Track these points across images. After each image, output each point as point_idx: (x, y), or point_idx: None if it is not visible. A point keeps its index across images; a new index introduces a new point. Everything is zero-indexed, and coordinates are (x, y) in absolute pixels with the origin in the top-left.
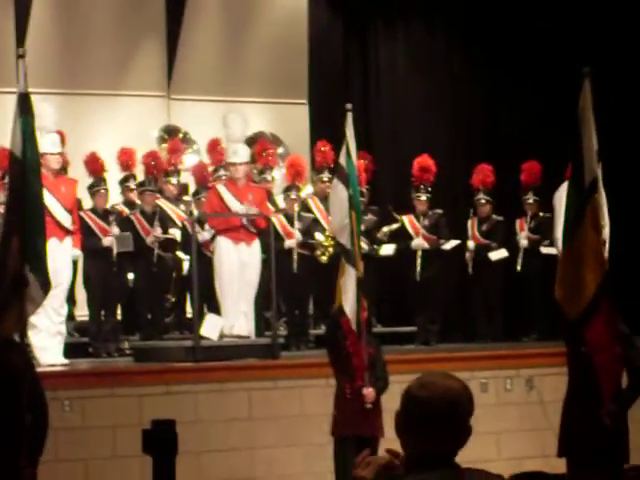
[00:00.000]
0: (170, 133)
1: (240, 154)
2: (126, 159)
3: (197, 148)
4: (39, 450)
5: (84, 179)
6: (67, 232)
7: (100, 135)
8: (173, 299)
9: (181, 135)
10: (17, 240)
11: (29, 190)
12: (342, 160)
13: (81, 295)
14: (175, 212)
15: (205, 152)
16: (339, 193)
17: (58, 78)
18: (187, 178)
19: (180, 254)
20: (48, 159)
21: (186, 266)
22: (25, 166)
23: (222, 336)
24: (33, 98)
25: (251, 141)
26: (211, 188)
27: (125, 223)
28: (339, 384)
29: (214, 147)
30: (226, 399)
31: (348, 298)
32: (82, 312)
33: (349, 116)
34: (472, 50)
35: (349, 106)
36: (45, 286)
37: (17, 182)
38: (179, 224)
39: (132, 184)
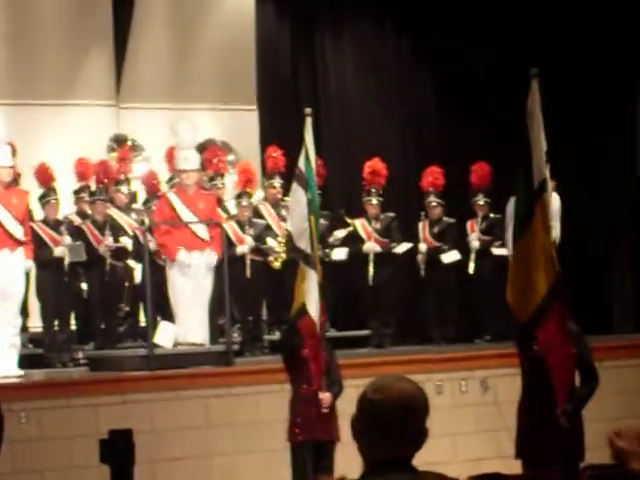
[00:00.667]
0: (119, 142)
1: (190, 161)
2: (83, 170)
3: (146, 155)
4: None
5: (35, 190)
6: (19, 243)
7: (50, 145)
8: (126, 308)
9: (129, 143)
10: None
11: None
12: (301, 164)
13: (34, 306)
14: (126, 221)
15: (163, 160)
16: (298, 197)
17: (6, 88)
18: (137, 186)
19: (131, 263)
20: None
21: (138, 275)
22: None
23: (176, 344)
24: None
25: (201, 148)
26: (162, 196)
27: (76, 232)
28: (294, 389)
29: (171, 155)
30: (182, 407)
31: (312, 301)
32: (35, 323)
33: (308, 120)
34: (421, 51)
35: (308, 110)
36: None
37: None
38: (130, 233)
39: (86, 195)
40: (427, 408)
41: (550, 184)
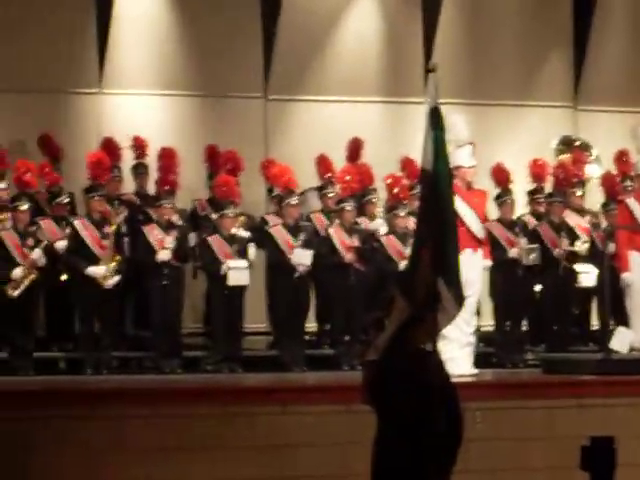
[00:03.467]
0: (567, 143)
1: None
2: (538, 171)
3: (596, 156)
4: (452, 462)
5: (491, 190)
6: (480, 243)
7: (505, 146)
8: (576, 311)
9: (578, 144)
10: (428, 252)
11: (441, 203)
12: None
13: (487, 305)
14: (578, 224)
15: (612, 163)
16: None
17: (463, 89)
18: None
19: (581, 266)
20: (462, 171)
21: (585, 279)
22: (436, 180)
23: (632, 349)
24: (443, 109)
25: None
26: (621, 202)
27: (532, 235)
28: None
29: (620, 158)
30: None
31: None
32: (487, 322)
33: None
34: None
35: None
36: (459, 299)
37: (427, 195)
38: (583, 237)
39: (541, 197)
40: None
41: None
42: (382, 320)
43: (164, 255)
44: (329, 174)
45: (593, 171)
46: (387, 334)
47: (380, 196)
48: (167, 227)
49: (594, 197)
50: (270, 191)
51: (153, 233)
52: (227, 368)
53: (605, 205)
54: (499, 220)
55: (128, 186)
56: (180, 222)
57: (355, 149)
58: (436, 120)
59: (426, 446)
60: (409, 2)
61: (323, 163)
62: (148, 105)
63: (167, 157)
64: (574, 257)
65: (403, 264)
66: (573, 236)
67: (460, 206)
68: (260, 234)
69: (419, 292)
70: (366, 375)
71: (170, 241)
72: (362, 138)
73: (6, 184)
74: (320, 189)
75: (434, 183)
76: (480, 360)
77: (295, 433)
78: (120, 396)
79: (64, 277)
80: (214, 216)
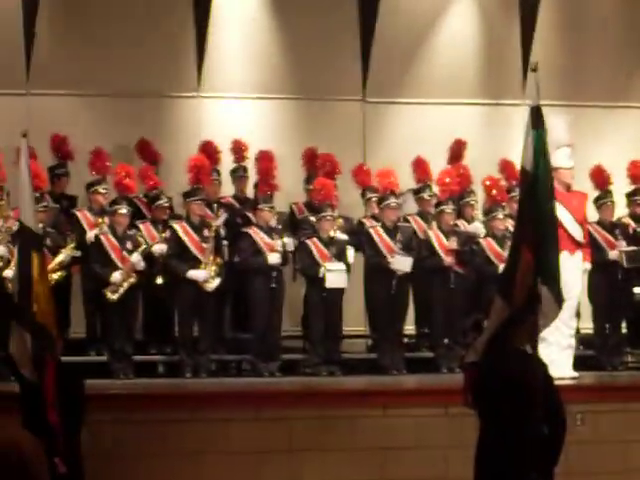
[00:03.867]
0: None
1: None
2: (637, 172)
3: None
4: (554, 464)
5: (591, 192)
6: (578, 245)
7: (604, 147)
8: None
9: None
10: (528, 253)
11: (540, 204)
12: None
13: (586, 308)
14: None
15: None
16: None
17: (561, 90)
18: None
19: None
20: (561, 173)
21: None
22: (537, 180)
23: None
24: (543, 111)
25: None
26: None
27: (632, 237)
28: None
29: None
30: None
31: None
32: (587, 325)
33: None
34: None
35: None
36: (559, 300)
37: (527, 195)
38: None
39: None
40: None
41: None
42: (482, 322)
43: (274, 258)
44: (426, 177)
45: None
46: (486, 336)
47: (478, 198)
48: (269, 230)
49: None
50: (363, 194)
51: (259, 236)
52: (325, 371)
53: None
54: (599, 222)
55: (226, 189)
56: (278, 225)
57: (458, 150)
58: (537, 119)
59: (528, 448)
60: (507, 4)
61: (420, 166)
62: (246, 109)
63: (265, 160)
64: None
65: (502, 266)
66: None
67: (558, 208)
68: (358, 237)
69: (518, 293)
70: (467, 378)
71: (280, 244)
72: (465, 139)
73: (106, 188)
74: (417, 192)
75: (534, 182)
76: (579, 363)
77: (395, 436)
78: (221, 399)
79: (160, 280)
80: (312, 219)
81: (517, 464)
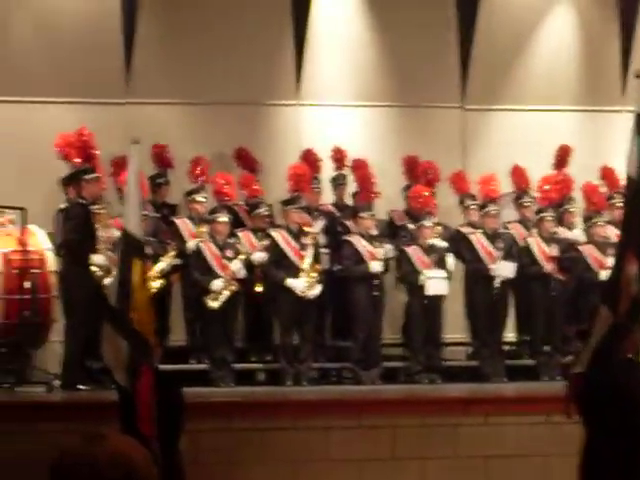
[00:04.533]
0: None
1: None
2: None
3: None
4: None
5: None
6: None
7: None
8: None
9: None
10: (631, 260)
11: None
12: None
13: None
14: None
15: None
16: None
17: None
18: None
19: None
20: None
21: None
22: None
23: None
24: None
25: None
26: None
27: None
28: None
29: None
30: None
31: None
32: None
33: None
34: None
35: None
36: None
37: (633, 203)
38: None
39: None
40: None
41: None
42: (587, 332)
43: (377, 266)
44: (524, 184)
45: None
46: (592, 345)
47: (578, 205)
48: (370, 238)
49: None
50: (462, 201)
51: (361, 244)
52: (426, 379)
53: None
54: None
55: (324, 197)
56: (376, 233)
57: (563, 156)
58: None
59: (635, 458)
60: (606, 9)
61: (517, 173)
62: (344, 117)
63: (361, 168)
64: None
65: (603, 273)
66: None
67: None
68: (457, 244)
69: (623, 302)
70: (571, 387)
71: (381, 252)
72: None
73: (204, 196)
74: (516, 198)
75: (638, 190)
76: None
77: (497, 444)
78: (321, 407)
79: (259, 288)
80: (412, 226)
81: (624, 473)
